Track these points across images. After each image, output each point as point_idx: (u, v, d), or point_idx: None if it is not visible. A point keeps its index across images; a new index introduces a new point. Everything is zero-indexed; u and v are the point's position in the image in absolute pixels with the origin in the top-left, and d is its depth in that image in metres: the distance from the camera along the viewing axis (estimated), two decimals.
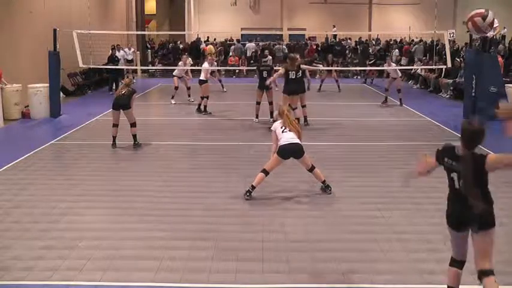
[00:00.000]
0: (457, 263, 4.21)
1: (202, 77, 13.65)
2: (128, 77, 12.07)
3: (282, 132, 6.79)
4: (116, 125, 9.67)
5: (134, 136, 9.75)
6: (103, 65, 18.19)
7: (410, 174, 5.86)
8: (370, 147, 9.83)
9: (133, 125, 9.75)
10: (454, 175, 3.92)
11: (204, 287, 4.54)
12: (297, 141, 6.74)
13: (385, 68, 17.00)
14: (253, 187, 6.76)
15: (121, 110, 9.62)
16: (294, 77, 11.17)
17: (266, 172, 6.79)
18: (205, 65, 14.22)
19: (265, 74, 12.41)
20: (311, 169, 6.94)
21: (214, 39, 29.47)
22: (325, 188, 7.02)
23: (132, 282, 4.58)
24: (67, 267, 4.85)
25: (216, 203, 6.63)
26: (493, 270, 3.94)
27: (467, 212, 3.88)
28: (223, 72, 23.10)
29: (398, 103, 14.89)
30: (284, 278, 4.66)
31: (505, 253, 5.20)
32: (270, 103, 12.25)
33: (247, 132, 11.42)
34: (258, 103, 12.39)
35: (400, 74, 15.88)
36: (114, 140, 9.68)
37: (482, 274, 3.99)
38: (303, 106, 11.81)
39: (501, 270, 4.79)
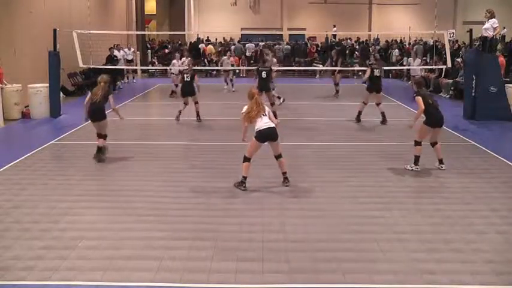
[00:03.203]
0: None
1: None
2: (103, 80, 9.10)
3: (259, 116, 7.02)
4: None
5: (99, 148, 8.64)
6: (102, 65, 18.19)
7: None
8: (370, 147, 9.82)
9: (104, 136, 8.70)
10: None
11: (204, 287, 4.54)
12: (273, 124, 7.03)
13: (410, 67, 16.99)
14: (244, 178, 7.03)
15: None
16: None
17: (248, 159, 7.06)
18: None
19: (264, 74, 12.43)
20: (279, 156, 7.18)
21: (216, 39, 29.48)
22: (285, 179, 7.24)
23: (132, 282, 4.59)
24: (67, 267, 4.85)
25: (216, 203, 6.63)
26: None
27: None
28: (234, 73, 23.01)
29: (398, 102, 14.82)
30: (284, 278, 4.66)
31: (505, 253, 5.19)
32: (272, 104, 12.25)
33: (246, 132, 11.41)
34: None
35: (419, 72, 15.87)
36: (99, 150, 8.70)
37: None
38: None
39: (501, 270, 4.79)
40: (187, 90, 12.27)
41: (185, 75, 12.37)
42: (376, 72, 12.51)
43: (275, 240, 5.47)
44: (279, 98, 14.23)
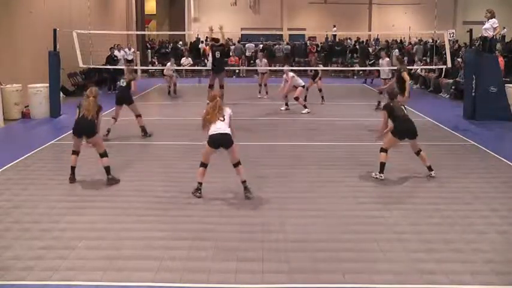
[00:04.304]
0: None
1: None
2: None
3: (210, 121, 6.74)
4: (76, 152, 7.57)
5: (107, 169, 7.46)
6: (102, 65, 18.19)
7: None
8: (370, 147, 9.81)
9: (103, 154, 7.52)
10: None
11: (204, 287, 4.54)
12: (227, 131, 6.68)
13: (380, 68, 15.70)
14: (200, 183, 6.82)
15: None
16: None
17: (204, 165, 6.82)
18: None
19: (217, 54, 12.95)
20: (236, 164, 6.79)
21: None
22: (245, 189, 6.76)
23: (132, 282, 4.59)
24: (67, 267, 4.85)
25: (216, 203, 6.63)
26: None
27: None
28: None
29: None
30: (284, 278, 4.66)
31: (505, 253, 5.19)
32: (221, 87, 12.75)
33: (246, 132, 11.42)
34: (211, 86, 13.15)
35: (390, 76, 14.37)
36: (72, 171, 7.51)
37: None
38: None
39: (501, 270, 4.79)
40: (121, 97, 10.65)
41: (121, 80, 10.87)
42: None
43: (275, 240, 5.47)
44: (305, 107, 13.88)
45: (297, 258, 5.03)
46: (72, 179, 7.48)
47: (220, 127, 6.67)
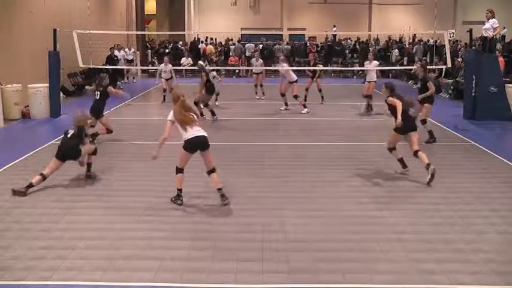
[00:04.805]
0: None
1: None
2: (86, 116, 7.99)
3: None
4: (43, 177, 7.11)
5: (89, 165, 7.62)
6: (102, 65, 18.19)
7: None
8: (370, 147, 9.82)
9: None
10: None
11: (203, 287, 4.54)
12: (203, 133, 6.45)
13: (364, 68, 15.18)
14: (180, 190, 6.53)
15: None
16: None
17: (181, 170, 6.51)
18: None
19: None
20: (212, 170, 6.53)
21: (215, 39, 29.45)
22: (221, 196, 6.55)
23: (132, 282, 4.59)
24: (67, 267, 4.85)
25: (216, 203, 6.62)
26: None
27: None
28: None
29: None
30: (284, 278, 4.66)
31: (505, 253, 5.19)
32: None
33: (246, 132, 11.43)
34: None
35: (375, 78, 13.92)
36: (30, 185, 6.97)
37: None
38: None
39: (501, 270, 4.79)
40: (96, 109, 9.91)
41: (96, 92, 10.08)
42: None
43: (275, 240, 5.47)
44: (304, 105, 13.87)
45: (297, 258, 5.03)
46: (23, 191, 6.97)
47: (198, 129, 6.43)
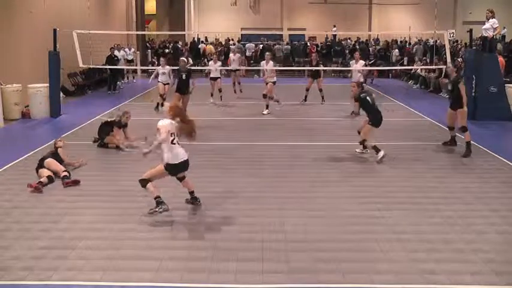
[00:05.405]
0: None
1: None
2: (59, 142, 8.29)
3: (172, 142, 6.07)
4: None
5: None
6: (102, 65, 18.19)
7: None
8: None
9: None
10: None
11: (204, 287, 4.55)
12: (187, 157, 6.22)
13: (351, 68, 14.79)
14: (158, 197, 6.06)
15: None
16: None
17: (150, 180, 6.15)
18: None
19: (184, 76, 12.46)
20: (184, 177, 6.46)
21: (216, 39, 29.42)
22: (194, 199, 6.49)
23: (132, 282, 4.59)
24: (67, 267, 4.85)
25: (216, 203, 6.63)
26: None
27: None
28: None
29: (398, 102, 14.55)
30: (284, 278, 4.66)
31: (505, 253, 5.19)
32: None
33: (246, 132, 11.43)
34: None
35: (362, 79, 13.22)
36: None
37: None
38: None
39: (501, 270, 4.79)
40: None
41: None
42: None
43: (275, 240, 5.47)
44: (278, 101, 13.92)
45: (297, 258, 5.03)
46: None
47: (184, 152, 6.20)
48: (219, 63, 16.20)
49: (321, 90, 15.18)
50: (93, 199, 6.83)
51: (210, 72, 16.12)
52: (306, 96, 14.51)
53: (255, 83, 18.23)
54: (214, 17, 36.44)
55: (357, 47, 27.05)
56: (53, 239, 5.47)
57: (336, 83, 20.76)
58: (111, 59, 18.71)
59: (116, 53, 19.71)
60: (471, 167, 8.40)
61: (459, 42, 25.37)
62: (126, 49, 21.66)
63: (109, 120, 10.00)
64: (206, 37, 30.71)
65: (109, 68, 18.11)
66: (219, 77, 15.53)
